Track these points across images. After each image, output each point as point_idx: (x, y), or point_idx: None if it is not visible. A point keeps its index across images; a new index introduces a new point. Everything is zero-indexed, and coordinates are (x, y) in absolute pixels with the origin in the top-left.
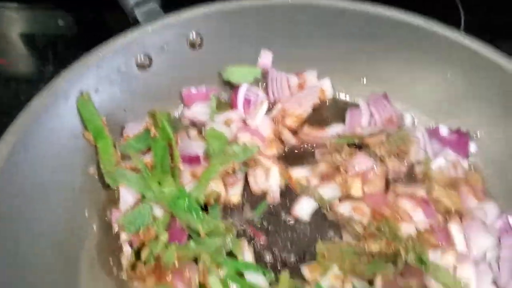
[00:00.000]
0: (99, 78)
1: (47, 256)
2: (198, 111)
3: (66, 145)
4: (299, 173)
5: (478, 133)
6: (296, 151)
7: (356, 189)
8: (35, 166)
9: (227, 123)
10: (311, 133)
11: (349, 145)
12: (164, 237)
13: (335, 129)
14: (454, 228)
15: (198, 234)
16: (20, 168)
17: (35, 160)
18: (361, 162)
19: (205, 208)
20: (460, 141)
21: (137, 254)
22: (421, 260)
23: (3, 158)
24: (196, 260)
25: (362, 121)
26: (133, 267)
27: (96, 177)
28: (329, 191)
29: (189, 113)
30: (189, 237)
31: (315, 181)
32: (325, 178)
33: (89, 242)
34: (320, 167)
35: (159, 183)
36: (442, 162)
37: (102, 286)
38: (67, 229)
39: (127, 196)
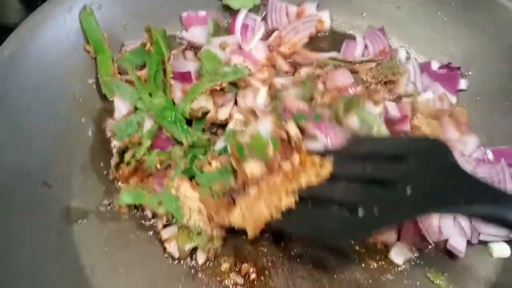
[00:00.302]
0: None
1: (44, 154)
2: (196, 34)
3: (67, 55)
4: (278, 80)
5: (470, 71)
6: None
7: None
8: (37, 70)
9: (222, 46)
10: (303, 53)
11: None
12: (147, 143)
13: (328, 55)
14: None
15: (182, 145)
16: (22, 70)
17: (37, 65)
18: (341, 77)
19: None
20: (450, 76)
21: (122, 157)
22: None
23: (5, 60)
24: None
25: (356, 52)
26: (116, 168)
27: (94, 87)
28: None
29: (187, 35)
30: None
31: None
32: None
33: (83, 146)
34: (298, 75)
35: (150, 95)
36: (430, 96)
37: (92, 185)
38: (64, 133)
39: (121, 107)
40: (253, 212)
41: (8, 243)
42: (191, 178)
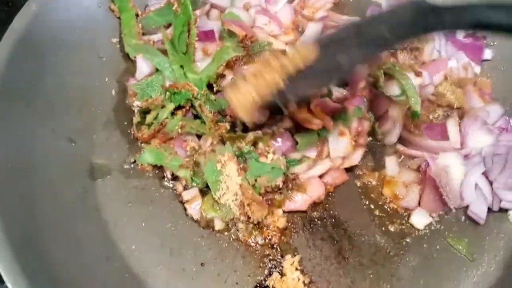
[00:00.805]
0: None
1: (68, 110)
2: None
3: (93, 12)
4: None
5: (495, 41)
6: None
7: None
8: (62, 26)
9: (246, 7)
10: (333, 16)
11: None
12: (170, 106)
13: (356, 19)
14: (451, 123)
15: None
16: (48, 25)
17: (62, 21)
18: None
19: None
20: (475, 45)
21: (143, 117)
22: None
23: (32, 13)
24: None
25: None
26: (138, 128)
27: (118, 47)
28: None
29: None
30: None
31: None
32: None
33: (107, 105)
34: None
35: (182, 67)
36: (454, 64)
37: (116, 143)
38: (88, 91)
39: (143, 67)
40: (244, 99)
41: (34, 196)
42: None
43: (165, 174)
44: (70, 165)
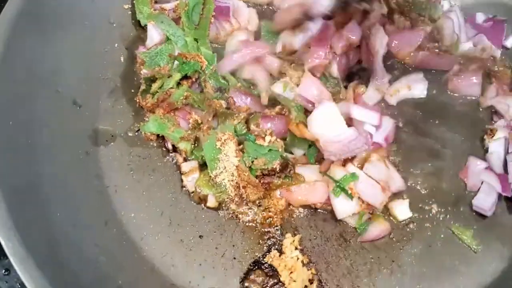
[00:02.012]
0: None
1: (75, 73)
2: None
3: None
4: None
5: None
6: None
7: None
8: None
9: None
10: None
11: None
12: (177, 76)
13: None
14: None
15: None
16: None
17: None
18: None
19: None
20: (495, 28)
21: (149, 86)
22: None
23: None
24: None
25: None
26: (142, 96)
27: (130, 13)
28: None
29: None
30: None
31: None
32: None
33: (114, 71)
34: None
35: (196, 40)
36: (470, 45)
37: (121, 110)
38: (97, 55)
39: (154, 34)
40: None
41: (34, 154)
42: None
43: (166, 145)
44: (74, 128)
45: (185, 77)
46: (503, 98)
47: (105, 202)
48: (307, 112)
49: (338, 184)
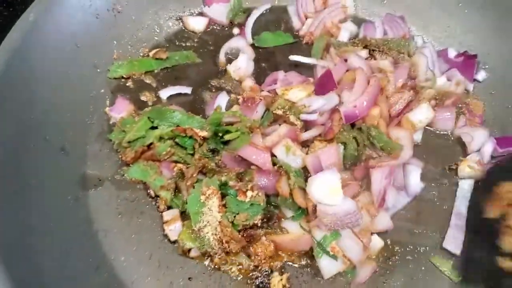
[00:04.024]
0: None
1: (63, 120)
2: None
3: (90, 23)
4: None
5: (487, 65)
6: None
7: None
8: (59, 36)
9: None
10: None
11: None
12: (157, 132)
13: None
14: None
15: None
16: (45, 36)
17: (60, 31)
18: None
19: None
20: (467, 63)
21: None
22: None
23: (29, 24)
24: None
25: (376, 35)
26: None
27: (114, 57)
28: None
29: (209, 11)
30: None
31: None
32: None
33: (101, 116)
34: None
35: None
36: (444, 80)
37: (108, 154)
38: (83, 102)
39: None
40: None
41: (23, 203)
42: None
43: (148, 191)
44: (62, 175)
45: None
46: (470, 130)
47: (95, 247)
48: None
49: (319, 245)
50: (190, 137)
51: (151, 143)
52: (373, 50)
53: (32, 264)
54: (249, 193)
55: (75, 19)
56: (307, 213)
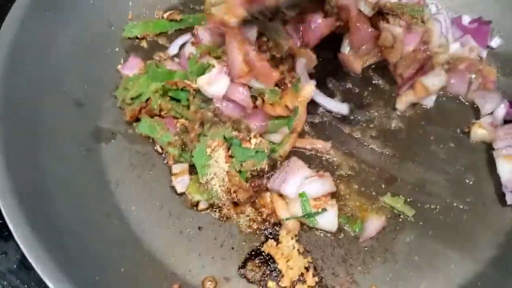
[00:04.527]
0: None
1: (78, 75)
2: None
3: None
4: None
5: (502, 32)
6: None
7: None
8: None
9: None
10: None
11: None
12: (152, 87)
13: None
14: None
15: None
16: None
17: None
18: None
19: None
20: (480, 30)
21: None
22: None
23: None
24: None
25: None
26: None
27: (129, 17)
28: None
29: None
30: None
31: None
32: None
33: (115, 73)
34: None
35: None
36: (457, 46)
37: (122, 109)
38: (98, 58)
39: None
40: None
41: (40, 151)
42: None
43: (155, 147)
44: (76, 127)
45: None
46: (483, 93)
47: (106, 196)
48: None
49: (305, 216)
50: (183, 89)
51: (148, 99)
52: (387, 13)
53: (46, 204)
54: (253, 141)
55: None
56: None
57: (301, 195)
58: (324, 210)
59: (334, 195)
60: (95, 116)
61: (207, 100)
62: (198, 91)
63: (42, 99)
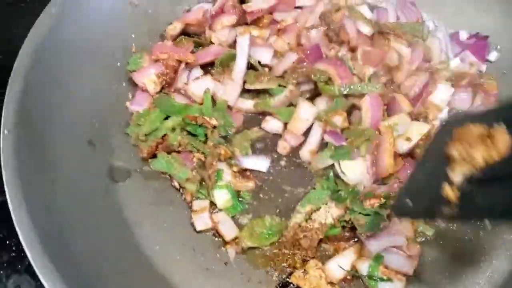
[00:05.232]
0: None
1: (88, 114)
2: None
3: (110, 18)
4: None
5: (499, 45)
6: None
7: None
8: (81, 31)
9: None
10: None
11: None
12: (169, 124)
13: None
14: None
15: None
16: (67, 29)
17: (81, 27)
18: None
19: None
20: (478, 45)
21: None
22: None
23: (52, 18)
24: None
25: (390, 19)
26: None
27: (134, 51)
28: None
29: None
30: None
31: None
32: None
33: (123, 109)
34: None
35: None
36: (458, 62)
37: (134, 146)
38: (106, 94)
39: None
40: None
41: (57, 196)
42: None
43: (173, 183)
44: (91, 167)
45: None
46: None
47: (128, 236)
48: None
49: (370, 278)
50: (200, 125)
51: (164, 135)
52: (388, 33)
53: (69, 248)
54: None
55: (94, 12)
56: None
57: (377, 258)
58: (389, 280)
59: None
60: (109, 155)
61: (225, 136)
62: (215, 127)
63: (55, 140)
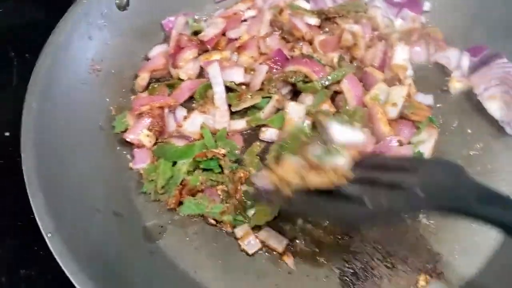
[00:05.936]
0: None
1: (100, 187)
2: None
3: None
4: None
5: None
6: None
7: None
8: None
9: None
10: None
11: None
12: (184, 168)
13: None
14: None
15: None
16: (51, 109)
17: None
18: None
19: None
20: (411, 0)
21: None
22: None
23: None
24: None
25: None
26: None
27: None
28: None
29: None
30: None
31: None
32: None
33: (127, 171)
34: None
35: None
36: (401, 21)
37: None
38: (106, 161)
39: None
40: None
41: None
42: None
43: (208, 221)
44: (127, 237)
45: None
46: (442, 53)
47: (190, 285)
48: None
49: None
50: (211, 158)
51: (182, 180)
52: (334, 17)
53: None
54: None
55: (67, 93)
56: None
57: None
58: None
59: None
60: (137, 219)
61: (236, 160)
62: (224, 155)
63: (85, 220)
